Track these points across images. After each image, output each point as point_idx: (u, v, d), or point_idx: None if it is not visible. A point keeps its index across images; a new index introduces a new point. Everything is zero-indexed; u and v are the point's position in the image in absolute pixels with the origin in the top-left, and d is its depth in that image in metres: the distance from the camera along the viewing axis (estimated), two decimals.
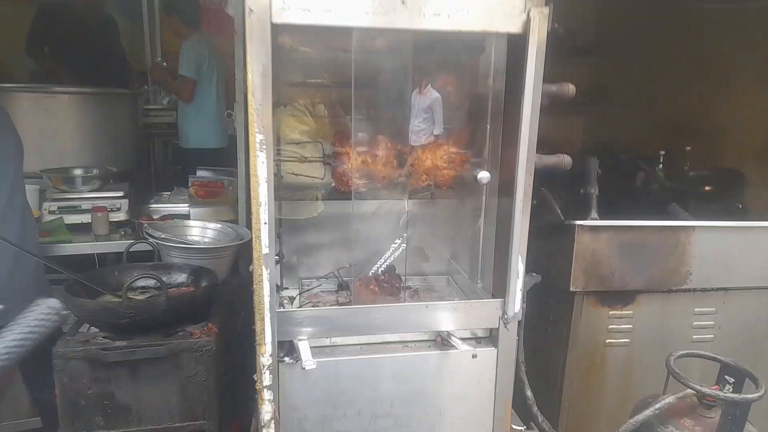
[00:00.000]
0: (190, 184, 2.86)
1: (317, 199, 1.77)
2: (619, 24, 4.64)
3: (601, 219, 2.14)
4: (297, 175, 1.65)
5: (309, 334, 1.48)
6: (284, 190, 1.78)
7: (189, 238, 2.31)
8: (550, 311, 2.25)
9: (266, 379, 1.45)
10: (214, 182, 2.85)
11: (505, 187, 1.51)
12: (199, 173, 3.10)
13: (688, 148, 3.31)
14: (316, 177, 1.67)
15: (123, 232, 2.56)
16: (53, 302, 1.78)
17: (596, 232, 2.05)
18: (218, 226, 2.37)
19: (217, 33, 3.75)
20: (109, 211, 2.55)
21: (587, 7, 4.71)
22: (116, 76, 3.74)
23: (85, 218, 2.55)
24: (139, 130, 3.70)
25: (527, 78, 1.36)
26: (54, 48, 3.59)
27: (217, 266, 2.10)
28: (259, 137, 1.32)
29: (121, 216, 2.62)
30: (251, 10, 1.23)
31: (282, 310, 1.48)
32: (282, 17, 1.26)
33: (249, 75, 1.28)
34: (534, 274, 1.67)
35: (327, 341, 1.56)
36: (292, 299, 1.75)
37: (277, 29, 1.28)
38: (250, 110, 1.30)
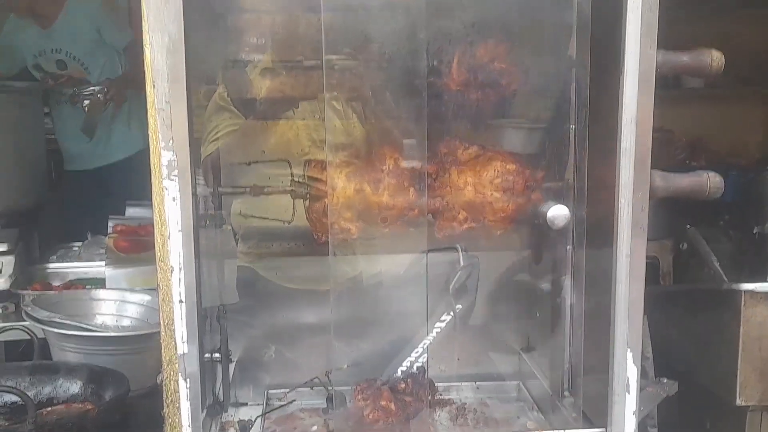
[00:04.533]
0: (110, 229, 2.83)
1: None
2: None
3: None
4: (246, 216, 1.57)
5: None
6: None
7: (98, 318, 2.28)
8: None
9: None
10: (147, 226, 2.81)
11: (598, 230, 1.41)
12: (130, 211, 3.09)
13: None
14: (278, 219, 1.59)
15: (1, 310, 2.55)
16: None
17: None
18: (146, 298, 2.34)
19: None
20: None
21: None
22: None
23: None
24: (45, 144, 3.76)
25: (628, 40, 1.26)
26: None
27: (139, 365, 2.03)
28: (167, 156, 1.28)
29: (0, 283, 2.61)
30: None
31: None
32: None
33: (147, 52, 1.23)
34: (664, 379, 1.60)
35: None
36: (245, 425, 1.66)
37: None
38: (151, 111, 1.25)
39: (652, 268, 3.84)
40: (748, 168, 4.12)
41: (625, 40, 1.26)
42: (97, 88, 3.74)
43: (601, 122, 1.37)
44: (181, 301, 1.30)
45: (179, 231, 1.28)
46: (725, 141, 4.67)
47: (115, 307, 2.33)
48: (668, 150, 4.45)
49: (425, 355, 1.79)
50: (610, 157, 1.32)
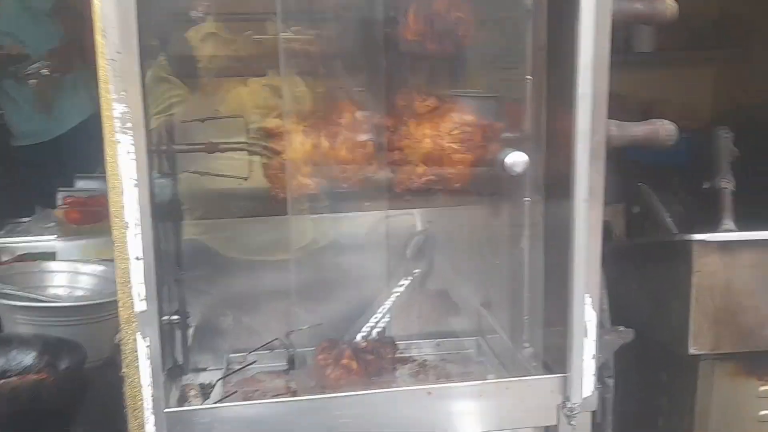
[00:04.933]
0: (60, 202, 2.78)
1: None
2: None
3: (740, 230, 2.02)
4: (201, 174, 1.55)
5: None
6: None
7: (50, 290, 2.23)
8: (662, 385, 2.16)
9: None
10: (98, 197, 2.76)
11: (556, 180, 1.43)
12: (80, 183, 3.03)
13: None
14: (234, 176, 1.57)
15: None
16: None
17: (731, 252, 1.93)
18: (99, 268, 2.30)
19: None
20: None
21: None
22: None
23: None
24: None
25: None
26: None
27: (94, 336, 2.01)
28: (119, 108, 1.26)
29: None
30: None
31: (175, 409, 1.38)
32: None
33: (96, 1, 1.21)
34: (621, 328, 1.61)
35: None
36: (205, 388, 1.66)
37: None
38: (101, 62, 1.23)
39: (606, 232, 3.90)
40: (698, 130, 4.21)
41: None
42: (38, 64, 3.66)
43: (558, 69, 1.39)
44: (138, 258, 1.27)
45: (135, 186, 1.25)
46: (676, 105, 4.76)
47: (67, 279, 2.29)
48: (620, 115, 4.53)
49: (387, 317, 1.81)
50: (567, 103, 1.33)
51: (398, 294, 1.86)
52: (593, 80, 1.30)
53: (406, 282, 1.86)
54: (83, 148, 3.57)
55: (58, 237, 2.61)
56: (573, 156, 1.33)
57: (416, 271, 1.87)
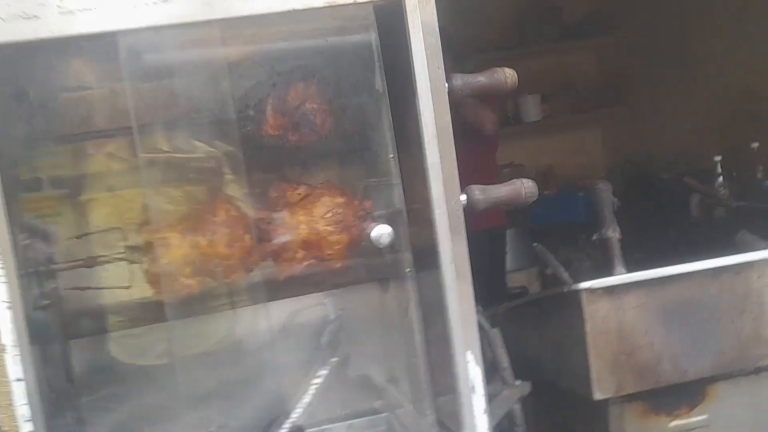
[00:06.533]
0: None
1: None
2: None
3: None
4: (82, 290, 1.57)
5: None
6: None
7: None
8: None
9: None
10: None
11: (426, 249, 1.47)
12: None
13: (756, 144, 3.38)
14: (116, 287, 1.59)
15: None
16: None
17: (617, 296, 2.01)
18: None
19: None
20: None
21: None
22: None
23: None
24: None
25: (416, 64, 1.35)
26: None
27: None
28: None
29: None
30: None
31: None
32: None
33: None
34: (518, 382, 1.69)
35: None
36: None
37: None
38: None
39: (522, 295, 4.01)
40: (591, 183, 4.41)
41: (413, 64, 1.35)
42: None
43: (410, 149, 1.45)
44: (19, 379, 1.27)
45: (8, 308, 1.26)
46: (572, 166, 4.98)
47: None
48: None
49: (300, 410, 1.80)
50: (421, 175, 1.39)
51: (317, 385, 1.85)
52: (441, 149, 1.37)
53: (324, 372, 1.86)
54: None
55: None
56: (434, 223, 1.38)
57: (334, 359, 1.88)
